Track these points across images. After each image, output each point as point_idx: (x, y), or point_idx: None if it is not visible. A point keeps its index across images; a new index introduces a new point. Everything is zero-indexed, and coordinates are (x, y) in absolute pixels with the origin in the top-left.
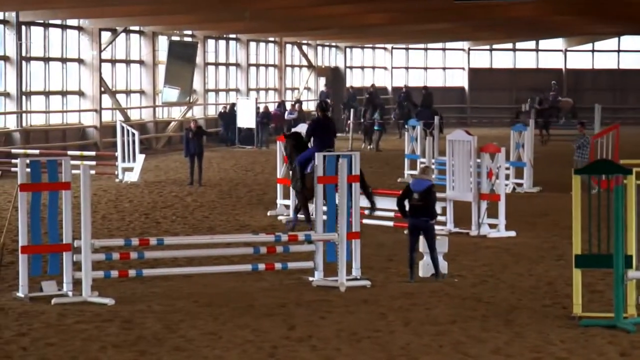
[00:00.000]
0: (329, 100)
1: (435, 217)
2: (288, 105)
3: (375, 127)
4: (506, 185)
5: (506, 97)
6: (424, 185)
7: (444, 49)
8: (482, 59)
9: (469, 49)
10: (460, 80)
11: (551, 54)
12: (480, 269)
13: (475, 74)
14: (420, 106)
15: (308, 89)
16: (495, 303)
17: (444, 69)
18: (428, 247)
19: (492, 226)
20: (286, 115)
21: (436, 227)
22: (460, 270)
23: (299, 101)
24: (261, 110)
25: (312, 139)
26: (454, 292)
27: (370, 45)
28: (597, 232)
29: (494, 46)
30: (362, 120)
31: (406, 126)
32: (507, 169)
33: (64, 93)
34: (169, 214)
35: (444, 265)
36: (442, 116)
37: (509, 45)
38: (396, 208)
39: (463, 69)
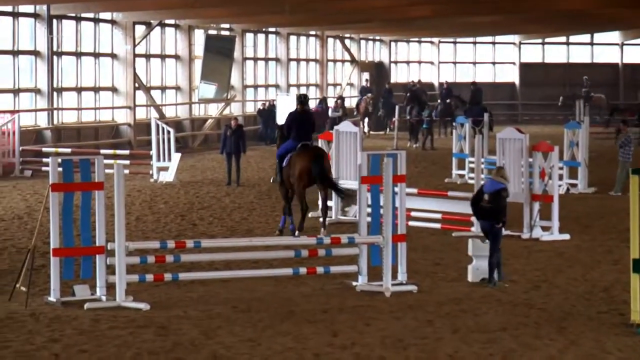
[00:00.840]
0: (307, 94)
1: (502, 221)
2: (330, 102)
3: (424, 126)
4: (559, 185)
5: (559, 93)
6: (495, 187)
7: (493, 43)
8: (533, 53)
9: (520, 43)
10: (511, 75)
11: (607, 48)
12: (533, 274)
13: (526, 69)
14: (469, 103)
15: (351, 84)
16: (548, 309)
17: (494, 63)
18: (489, 251)
19: (545, 229)
20: (330, 113)
21: None
22: (512, 275)
23: (341, 98)
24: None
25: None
26: (505, 298)
27: (416, 39)
28: None
29: (547, 40)
30: (408, 118)
31: (454, 124)
32: (561, 168)
33: (96, 89)
34: (206, 215)
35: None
36: (492, 113)
37: (563, 39)
38: (444, 210)
39: (514, 63)
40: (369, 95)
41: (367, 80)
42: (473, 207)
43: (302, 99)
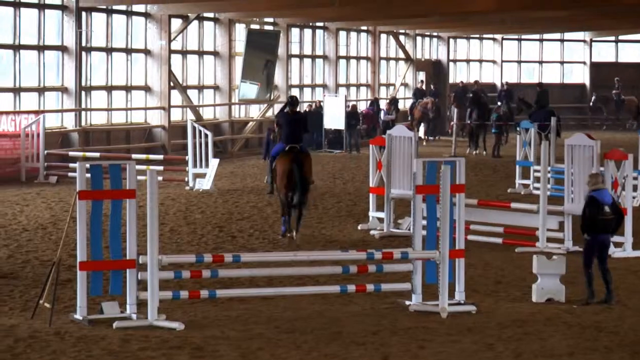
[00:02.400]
0: (297, 96)
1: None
2: (382, 104)
3: (493, 130)
4: (634, 197)
5: (634, 96)
6: (610, 196)
7: (562, 40)
8: (606, 51)
9: (591, 40)
10: (581, 76)
11: None
12: (603, 294)
13: (598, 69)
14: (534, 105)
15: (405, 85)
16: (620, 333)
17: (562, 62)
18: (604, 263)
19: (617, 245)
20: (382, 116)
21: (551, 245)
22: (580, 295)
23: (394, 99)
24: (349, 109)
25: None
26: (573, 320)
27: (477, 36)
28: None
29: (620, 37)
30: (467, 122)
31: (518, 129)
32: (635, 178)
33: (128, 88)
34: (246, 226)
35: (560, 289)
36: (560, 117)
37: (638, 36)
38: (506, 223)
39: (584, 63)
40: (431, 99)
41: (421, 81)
42: (592, 221)
43: (292, 101)
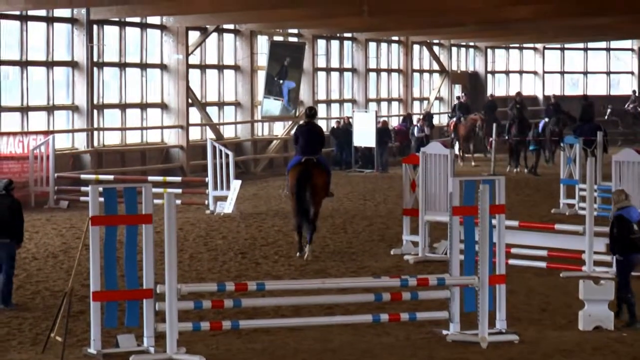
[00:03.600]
0: (315, 107)
1: None
2: (415, 119)
3: (531, 147)
4: None
5: None
6: (637, 212)
7: (608, 49)
8: None
9: None
10: (629, 87)
11: None
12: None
13: None
14: (579, 119)
15: (440, 99)
16: None
17: (609, 73)
18: (628, 286)
19: None
20: (415, 132)
21: (598, 269)
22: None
23: (428, 114)
24: (379, 125)
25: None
26: (622, 349)
27: (517, 45)
28: None
29: None
30: (506, 138)
31: (562, 144)
32: None
33: (143, 106)
34: (270, 252)
35: (609, 316)
36: (607, 132)
37: None
38: (550, 245)
39: (632, 73)
40: (479, 115)
41: (464, 95)
42: (623, 241)
43: (308, 112)
